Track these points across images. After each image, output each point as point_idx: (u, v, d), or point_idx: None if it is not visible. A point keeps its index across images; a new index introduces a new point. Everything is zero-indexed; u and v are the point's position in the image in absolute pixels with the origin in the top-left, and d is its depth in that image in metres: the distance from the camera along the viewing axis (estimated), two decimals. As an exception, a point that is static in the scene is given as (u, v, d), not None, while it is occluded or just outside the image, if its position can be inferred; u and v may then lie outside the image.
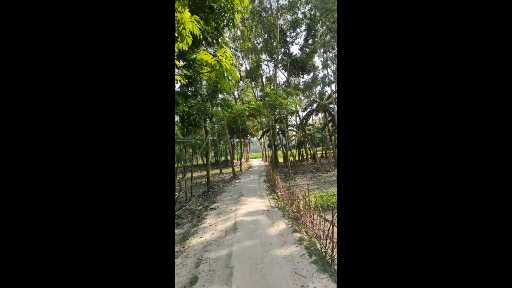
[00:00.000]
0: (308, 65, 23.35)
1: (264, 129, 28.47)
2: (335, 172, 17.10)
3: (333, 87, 20.88)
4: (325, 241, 4.33)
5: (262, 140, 42.62)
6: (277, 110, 27.67)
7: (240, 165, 27.22)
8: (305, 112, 23.75)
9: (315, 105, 23.22)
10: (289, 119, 25.74)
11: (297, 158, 30.75)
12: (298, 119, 28.01)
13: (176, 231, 6.91)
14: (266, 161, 39.78)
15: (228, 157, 38.41)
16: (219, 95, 12.17)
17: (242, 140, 36.06)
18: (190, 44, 3.33)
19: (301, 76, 25.36)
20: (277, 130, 25.14)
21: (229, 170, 24.98)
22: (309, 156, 32.68)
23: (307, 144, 26.86)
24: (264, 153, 43.96)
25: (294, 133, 29.21)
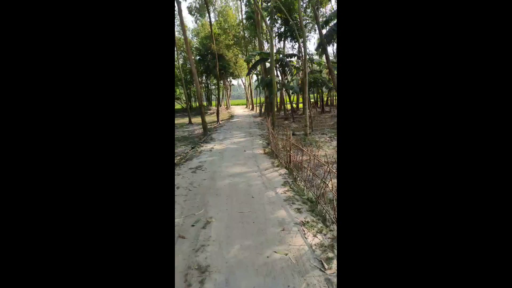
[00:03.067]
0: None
1: (253, 61, 19.19)
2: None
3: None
4: None
5: (247, 79, 33.23)
6: (277, 24, 17.76)
7: (218, 114, 18.88)
8: (329, 27, 14.26)
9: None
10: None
11: (296, 105, 22.60)
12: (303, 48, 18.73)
13: None
14: (252, 108, 31.33)
15: (204, 103, 28.94)
16: None
17: (221, 81, 26.66)
18: None
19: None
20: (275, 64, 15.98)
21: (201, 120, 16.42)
22: (318, 103, 24.50)
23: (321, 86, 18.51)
24: (249, 98, 35.00)
25: (293, 68, 19.86)
